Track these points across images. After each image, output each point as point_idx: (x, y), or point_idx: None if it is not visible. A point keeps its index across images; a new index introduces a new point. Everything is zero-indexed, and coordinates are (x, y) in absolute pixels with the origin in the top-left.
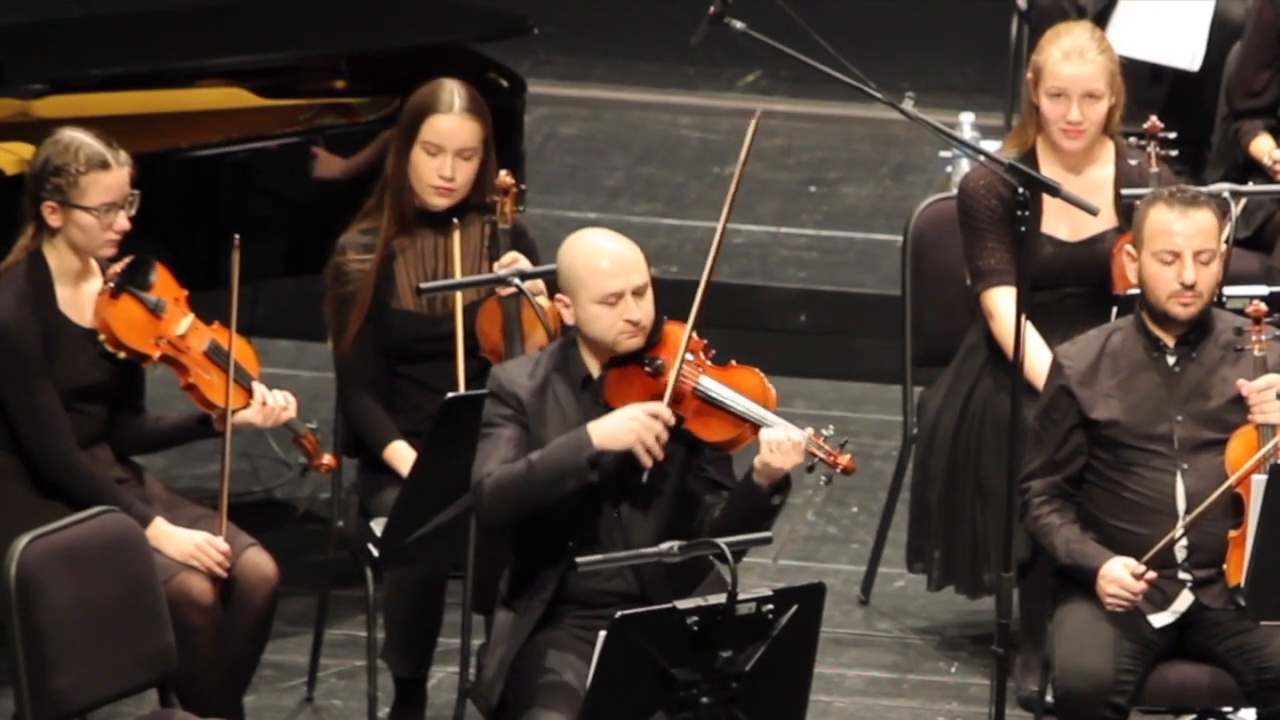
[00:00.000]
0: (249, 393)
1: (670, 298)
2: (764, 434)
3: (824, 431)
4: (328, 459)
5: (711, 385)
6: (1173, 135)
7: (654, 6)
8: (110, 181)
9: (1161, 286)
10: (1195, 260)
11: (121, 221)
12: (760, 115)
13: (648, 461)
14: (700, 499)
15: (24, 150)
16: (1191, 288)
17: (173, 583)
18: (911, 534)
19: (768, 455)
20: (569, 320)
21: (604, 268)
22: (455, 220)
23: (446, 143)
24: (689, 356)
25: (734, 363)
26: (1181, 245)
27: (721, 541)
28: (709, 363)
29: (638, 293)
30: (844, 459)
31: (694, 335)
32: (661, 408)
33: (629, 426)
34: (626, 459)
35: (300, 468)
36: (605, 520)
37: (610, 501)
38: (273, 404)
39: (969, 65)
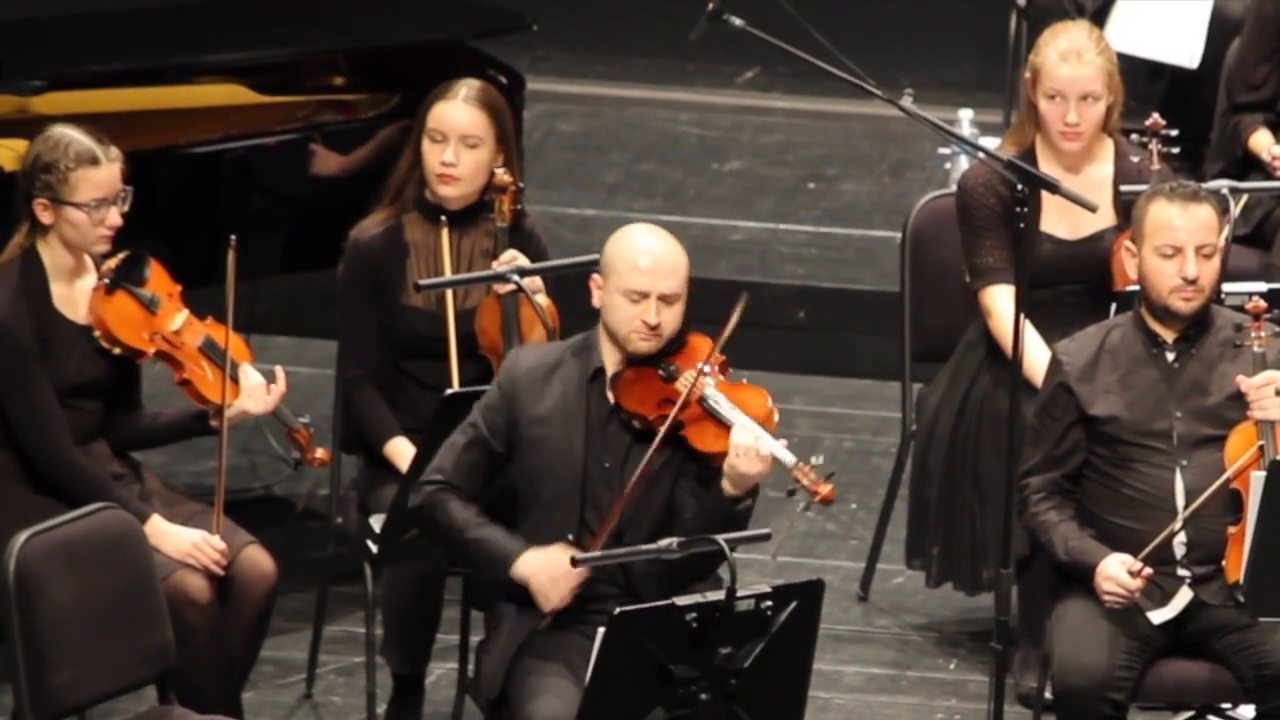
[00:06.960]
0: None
1: None
2: (733, 436)
3: (813, 459)
4: (320, 453)
5: (716, 397)
6: (1174, 132)
7: (653, 3)
8: (100, 177)
9: (1163, 281)
10: (1197, 254)
11: (113, 217)
12: (748, 298)
13: (545, 609)
14: (683, 511)
15: (23, 146)
16: (1193, 282)
17: (170, 580)
18: (910, 530)
19: (733, 458)
20: (596, 303)
21: (640, 264)
22: (443, 218)
23: (448, 129)
24: (705, 368)
25: (745, 381)
26: (1183, 240)
27: (720, 538)
28: (722, 377)
29: (665, 300)
30: (825, 489)
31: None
32: (570, 591)
33: (546, 584)
34: (614, 471)
35: (293, 461)
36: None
37: (598, 510)
38: (257, 381)
39: (968, 62)
